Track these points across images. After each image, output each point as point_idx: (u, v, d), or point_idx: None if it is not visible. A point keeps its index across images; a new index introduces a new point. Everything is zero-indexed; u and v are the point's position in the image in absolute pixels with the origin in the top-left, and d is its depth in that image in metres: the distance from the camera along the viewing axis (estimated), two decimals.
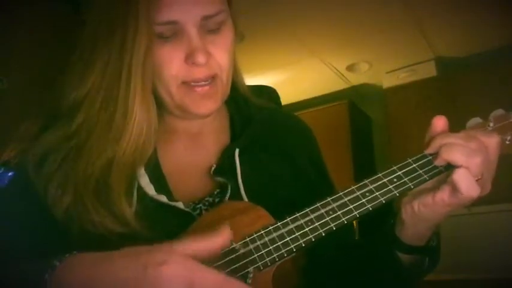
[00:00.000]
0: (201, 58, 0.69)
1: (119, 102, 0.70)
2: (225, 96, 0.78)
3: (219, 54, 0.73)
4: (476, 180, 0.61)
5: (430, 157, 0.66)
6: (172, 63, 0.70)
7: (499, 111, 0.68)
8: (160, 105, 0.77)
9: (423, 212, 0.66)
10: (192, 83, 0.73)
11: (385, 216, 0.74)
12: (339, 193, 0.66)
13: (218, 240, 0.56)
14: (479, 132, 0.65)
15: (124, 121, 0.70)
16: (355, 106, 3.83)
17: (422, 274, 0.73)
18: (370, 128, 4.03)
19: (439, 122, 0.67)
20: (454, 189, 0.62)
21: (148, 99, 0.72)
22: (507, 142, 0.65)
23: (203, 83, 0.73)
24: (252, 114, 0.84)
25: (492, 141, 0.63)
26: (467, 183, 0.61)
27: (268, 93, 0.94)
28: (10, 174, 0.76)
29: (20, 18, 2.02)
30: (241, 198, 0.74)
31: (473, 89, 3.13)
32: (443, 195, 0.63)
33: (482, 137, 0.63)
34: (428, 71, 3.41)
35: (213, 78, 0.73)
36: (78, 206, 0.68)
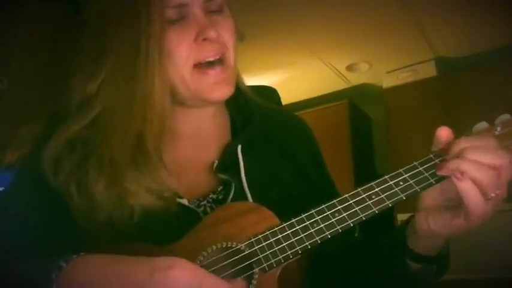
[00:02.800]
0: (212, 32, 0.72)
1: (138, 81, 0.71)
2: (235, 82, 0.79)
3: (224, 33, 0.75)
4: (492, 197, 0.59)
5: (437, 160, 0.65)
6: (182, 44, 0.72)
7: (506, 116, 0.66)
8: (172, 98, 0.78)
9: (442, 231, 0.64)
10: (204, 65, 0.74)
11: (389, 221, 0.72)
12: (344, 195, 0.66)
13: None
14: (492, 141, 0.62)
15: (146, 98, 0.72)
16: (355, 106, 3.83)
17: (429, 281, 0.71)
18: (370, 128, 4.03)
19: (443, 133, 0.65)
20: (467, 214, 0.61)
21: (165, 77, 0.73)
22: None
23: (215, 65, 0.74)
24: (252, 113, 0.84)
25: (504, 162, 0.60)
26: (479, 210, 0.59)
27: (268, 93, 0.94)
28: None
29: (20, 18, 2.02)
30: (244, 195, 0.74)
31: (473, 89, 3.13)
32: (461, 220, 0.61)
33: (499, 157, 0.60)
34: (428, 71, 3.40)
35: (222, 60, 0.75)
36: (114, 184, 0.70)
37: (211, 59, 0.74)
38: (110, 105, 0.74)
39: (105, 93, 0.74)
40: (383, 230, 0.76)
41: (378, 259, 0.75)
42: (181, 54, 0.72)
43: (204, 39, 0.72)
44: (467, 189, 0.59)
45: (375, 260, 0.75)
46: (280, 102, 0.97)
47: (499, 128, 0.65)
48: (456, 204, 0.63)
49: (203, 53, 0.73)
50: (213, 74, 0.74)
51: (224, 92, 0.76)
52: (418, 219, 0.66)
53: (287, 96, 3.60)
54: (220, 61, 0.75)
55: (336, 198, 0.67)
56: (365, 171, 3.62)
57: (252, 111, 0.85)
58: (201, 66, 0.74)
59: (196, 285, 0.52)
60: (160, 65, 0.72)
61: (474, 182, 0.59)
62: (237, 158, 0.77)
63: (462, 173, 0.59)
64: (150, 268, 0.52)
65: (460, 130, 0.68)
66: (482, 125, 0.67)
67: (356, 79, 3.71)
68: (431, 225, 0.64)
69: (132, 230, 0.68)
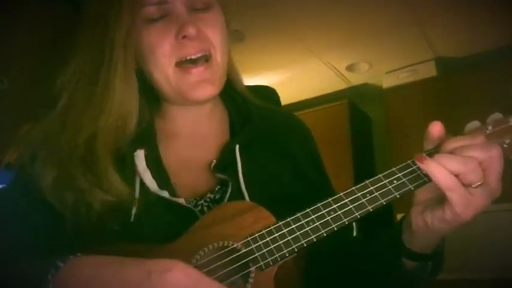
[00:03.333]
0: (191, 29, 0.71)
1: (101, 77, 0.72)
2: (222, 81, 0.79)
3: (209, 30, 0.75)
4: (476, 187, 0.60)
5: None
6: (163, 42, 0.72)
7: (497, 115, 0.67)
8: (161, 97, 0.78)
9: (437, 225, 0.64)
10: (187, 63, 0.73)
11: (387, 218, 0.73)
12: (339, 194, 0.67)
13: None
14: (478, 139, 0.63)
15: (104, 97, 0.72)
16: (355, 106, 3.83)
17: (425, 279, 0.71)
18: (370, 128, 4.03)
19: (435, 128, 0.66)
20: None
21: (130, 77, 0.73)
22: (505, 146, 0.65)
23: (198, 63, 0.74)
24: (250, 113, 0.84)
25: (494, 153, 0.61)
26: (462, 204, 0.60)
27: (267, 93, 0.94)
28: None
29: (20, 18, 2.02)
30: (241, 194, 0.74)
31: (473, 89, 3.13)
32: (449, 208, 0.62)
33: (483, 151, 0.61)
34: (428, 71, 3.41)
35: (207, 59, 0.74)
36: (65, 177, 0.69)
37: (193, 57, 0.73)
38: (72, 100, 0.74)
39: (71, 87, 0.74)
40: (382, 230, 0.77)
41: (373, 258, 0.75)
42: (163, 52, 0.72)
43: (184, 37, 0.72)
44: (431, 168, 0.60)
45: (371, 259, 0.75)
46: (279, 102, 0.97)
47: (490, 127, 0.66)
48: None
49: (184, 51, 0.73)
50: (196, 72, 0.74)
51: (207, 91, 0.75)
52: (414, 215, 0.67)
53: (287, 96, 3.61)
54: (204, 59, 0.74)
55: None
56: (365, 171, 3.62)
57: (250, 111, 0.84)
58: (184, 64, 0.74)
59: (192, 287, 0.52)
60: (125, 63, 0.72)
61: (451, 172, 0.60)
62: (235, 158, 0.77)
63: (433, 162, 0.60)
64: (147, 270, 0.53)
65: (460, 130, 0.68)
66: (474, 124, 0.68)
67: (356, 79, 3.71)
68: (428, 219, 0.64)
69: (129, 230, 0.68)
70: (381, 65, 3.49)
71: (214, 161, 0.78)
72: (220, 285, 0.55)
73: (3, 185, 0.79)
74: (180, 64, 0.73)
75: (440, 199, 0.63)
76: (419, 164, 0.62)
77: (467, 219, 0.62)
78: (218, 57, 0.76)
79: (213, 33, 0.75)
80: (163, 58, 0.73)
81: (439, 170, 0.60)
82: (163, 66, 0.73)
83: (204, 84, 0.75)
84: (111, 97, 0.72)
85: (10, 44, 1.97)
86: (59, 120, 0.74)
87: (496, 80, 2.99)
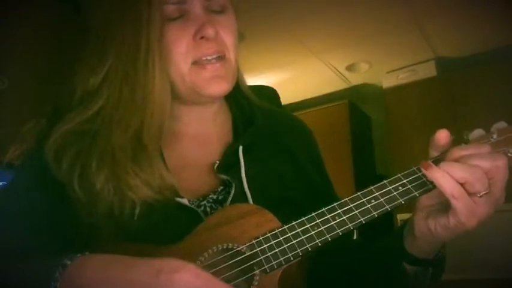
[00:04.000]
0: (210, 30, 0.72)
1: (139, 78, 0.72)
2: (235, 79, 0.79)
3: (224, 32, 0.75)
4: (481, 196, 0.60)
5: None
6: (181, 41, 0.73)
7: (502, 124, 0.67)
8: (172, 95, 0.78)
9: (440, 232, 0.64)
10: (203, 61, 0.74)
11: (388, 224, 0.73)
12: (344, 198, 0.67)
13: None
14: (484, 148, 0.63)
15: (146, 92, 0.73)
16: (355, 106, 3.84)
17: (425, 284, 0.72)
18: (370, 128, 4.03)
19: (442, 135, 0.66)
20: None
21: (165, 76, 0.74)
22: (510, 155, 0.64)
23: (214, 60, 0.75)
24: (254, 115, 0.84)
25: (500, 163, 0.61)
26: (466, 213, 0.60)
27: (268, 93, 0.94)
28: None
29: (20, 18, 2.02)
30: (244, 196, 0.74)
31: (473, 89, 3.13)
32: (454, 216, 0.62)
33: (488, 161, 0.61)
34: (428, 71, 3.40)
35: (222, 57, 0.75)
36: (114, 180, 0.70)
37: (208, 57, 0.74)
38: (111, 99, 0.75)
39: (108, 88, 0.75)
40: (383, 231, 0.77)
41: (375, 262, 0.75)
42: (180, 51, 0.73)
43: (202, 37, 0.73)
44: (436, 176, 0.60)
45: (373, 263, 0.76)
46: (280, 103, 0.97)
47: (495, 136, 0.66)
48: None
49: (201, 51, 0.73)
50: (211, 68, 0.74)
51: (221, 87, 0.76)
52: (417, 220, 0.67)
53: (287, 96, 3.61)
54: (219, 58, 0.75)
55: (334, 201, 0.67)
56: (365, 171, 3.62)
57: (254, 112, 0.85)
58: (200, 63, 0.74)
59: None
60: (161, 62, 0.72)
61: (457, 180, 0.60)
62: (238, 159, 0.77)
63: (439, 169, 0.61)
64: (156, 270, 0.53)
65: (460, 130, 0.68)
66: (478, 132, 0.68)
67: (356, 79, 3.71)
68: (432, 226, 0.64)
69: (132, 228, 0.68)
70: (380, 65, 3.48)
71: (218, 161, 0.78)
72: (228, 285, 0.55)
73: (3, 183, 0.78)
74: (196, 63, 0.74)
75: (444, 206, 0.64)
76: (424, 171, 0.62)
77: (471, 227, 0.62)
78: (232, 57, 0.77)
79: (228, 35, 0.76)
80: (180, 56, 0.73)
81: (445, 179, 0.60)
82: (179, 64, 0.74)
83: (218, 80, 0.75)
84: (151, 98, 0.73)
85: (10, 44, 1.97)
86: (98, 124, 0.75)
87: (496, 80, 2.99)
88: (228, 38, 0.76)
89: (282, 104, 0.98)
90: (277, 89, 0.97)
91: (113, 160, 0.71)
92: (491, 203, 0.61)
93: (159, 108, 0.73)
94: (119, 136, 0.73)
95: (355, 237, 0.86)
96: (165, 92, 0.74)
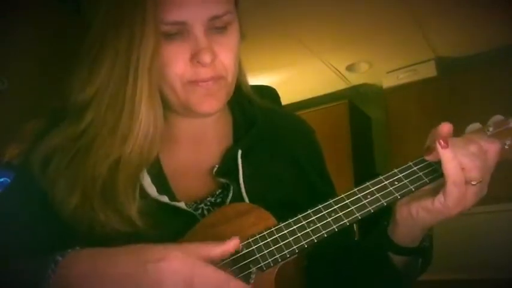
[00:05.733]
0: (207, 57, 0.68)
1: (126, 102, 0.69)
2: (229, 96, 0.77)
3: (224, 54, 0.72)
4: (474, 184, 0.61)
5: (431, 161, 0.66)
6: (177, 63, 0.70)
7: (498, 117, 0.69)
8: (164, 104, 0.76)
9: (422, 215, 0.65)
10: (198, 81, 0.71)
11: (380, 218, 0.74)
12: (340, 195, 0.67)
13: (229, 245, 0.58)
14: (479, 137, 0.65)
15: (130, 122, 0.69)
16: (355, 106, 3.83)
17: (415, 275, 0.73)
18: (370, 128, 4.03)
19: (445, 128, 0.66)
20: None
21: (155, 100, 0.71)
22: (506, 147, 0.66)
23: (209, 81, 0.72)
24: (255, 116, 0.84)
25: (492, 147, 0.63)
26: (456, 199, 0.62)
27: (270, 93, 0.94)
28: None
29: (20, 18, 2.02)
30: (242, 199, 0.74)
31: (473, 89, 3.13)
32: (441, 200, 0.63)
33: (483, 142, 0.63)
34: (428, 71, 3.40)
35: (218, 78, 0.72)
36: (86, 207, 0.68)
37: (205, 80, 0.71)
38: (97, 122, 0.72)
39: (95, 108, 0.72)
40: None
41: (366, 257, 0.76)
42: (176, 72, 0.70)
43: (199, 62, 0.69)
44: (449, 157, 0.61)
45: (364, 259, 0.76)
46: (280, 102, 0.96)
47: (491, 129, 0.67)
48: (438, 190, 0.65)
49: (198, 75, 0.70)
50: (205, 86, 0.71)
51: (213, 105, 0.73)
52: (398, 204, 0.68)
53: (287, 96, 3.60)
54: (214, 78, 0.72)
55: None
56: (365, 171, 3.62)
57: (255, 114, 0.84)
58: (195, 83, 0.71)
59: (188, 274, 0.53)
60: (150, 89, 0.69)
61: (461, 164, 0.61)
62: (237, 163, 0.77)
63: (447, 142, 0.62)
64: (143, 260, 0.53)
65: (460, 130, 0.69)
66: (475, 125, 0.69)
67: (356, 79, 3.71)
68: (414, 209, 0.66)
69: (127, 233, 0.68)
70: (381, 65, 3.48)
71: (217, 166, 0.77)
72: (214, 268, 0.55)
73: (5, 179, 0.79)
74: (190, 82, 0.71)
75: (430, 191, 0.65)
76: (439, 147, 0.62)
77: (453, 214, 0.64)
78: (229, 78, 0.74)
79: (227, 57, 0.72)
80: (175, 77, 0.70)
81: (454, 163, 0.61)
82: (174, 82, 0.71)
83: (210, 98, 0.72)
84: (137, 123, 0.69)
85: (10, 44, 1.97)
86: (82, 144, 0.72)
87: (496, 80, 2.99)
88: (227, 61, 0.72)
89: (282, 104, 0.98)
90: (277, 89, 0.97)
91: (83, 190, 0.69)
92: (479, 193, 0.63)
93: (144, 134, 0.70)
94: (93, 166, 0.69)
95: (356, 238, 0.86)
96: (153, 118, 0.70)
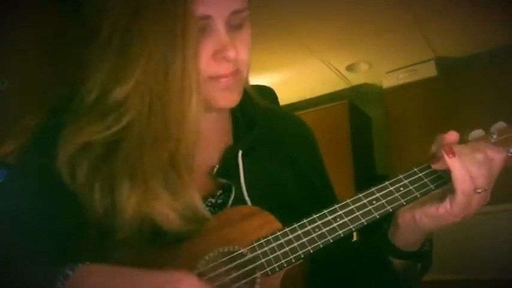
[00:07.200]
0: (232, 53, 0.69)
1: (174, 95, 0.67)
2: (242, 91, 0.78)
3: (242, 50, 0.73)
4: (480, 192, 0.61)
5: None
6: (201, 58, 0.69)
7: (501, 124, 0.69)
8: None
9: (425, 221, 0.66)
10: (219, 76, 0.71)
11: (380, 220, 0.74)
12: (346, 200, 0.67)
13: None
14: (485, 145, 0.65)
15: (181, 111, 0.68)
16: (355, 106, 3.83)
17: (415, 279, 0.73)
18: (370, 128, 4.03)
19: (452, 137, 0.66)
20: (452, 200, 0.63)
21: (200, 92, 0.69)
22: (510, 154, 0.66)
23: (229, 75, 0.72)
24: (255, 115, 0.83)
25: (498, 156, 0.63)
26: (462, 206, 0.62)
27: (266, 92, 0.94)
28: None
29: (20, 18, 2.01)
30: (243, 200, 0.73)
31: (473, 89, 3.13)
32: (447, 206, 0.63)
33: (488, 151, 0.63)
34: (429, 71, 3.40)
35: (236, 72, 0.73)
36: (145, 201, 0.67)
37: (227, 75, 0.71)
38: (142, 116, 0.69)
39: (136, 103, 0.68)
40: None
41: (366, 260, 0.76)
42: (199, 67, 0.69)
43: (222, 57, 0.69)
44: (457, 166, 0.61)
45: (364, 261, 0.76)
46: (278, 103, 0.96)
47: (494, 136, 0.68)
48: (443, 197, 0.65)
49: (220, 70, 0.70)
50: (224, 81, 0.72)
51: (232, 98, 0.74)
52: (401, 211, 0.68)
53: (287, 96, 3.60)
54: (233, 72, 0.72)
55: (335, 203, 0.67)
56: (365, 172, 3.62)
57: (255, 114, 0.84)
58: (216, 78, 0.71)
59: None
60: (197, 75, 0.67)
61: (468, 172, 0.61)
62: (238, 164, 0.77)
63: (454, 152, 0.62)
64: (158, 282, 0.53)
65: (461, 130, 0.69)
66: (478, 132, 0.69)
67: (356, 79, 3.71)
68: (417, 215, 0.66)
69: (132, 233, 0.67)
70: (380, 65, 3.48)
71: (217, 166, 0.77)
72: None
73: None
74: (211, 77, 0.71)
75: (433, 197, 0.65)
76: (446, 156, 0.62)
77: (456, 220, 0.64)
78: (245, 72, 0.75)
79: (245, 53, 0.73)
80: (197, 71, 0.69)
81: (463, 171, 0.61)
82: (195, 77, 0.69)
83: (230, 92, 0.73)
84: (188, 114, 0.68)
85: (10, 44, 1.97)
86: (122, 136, 0.69)
87: (496, 80, 2.99)
88: (244, 55, 0.73)
89: (282, 104, 0.98)
90: (277, 89, 0.97)
91: (143, 181, 0.67)
92: (482, 201, 0.63)
93: (193, 131, 0.69)
94: (150, 157, 0.68)
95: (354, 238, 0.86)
96: (200, 112, 0.69)
